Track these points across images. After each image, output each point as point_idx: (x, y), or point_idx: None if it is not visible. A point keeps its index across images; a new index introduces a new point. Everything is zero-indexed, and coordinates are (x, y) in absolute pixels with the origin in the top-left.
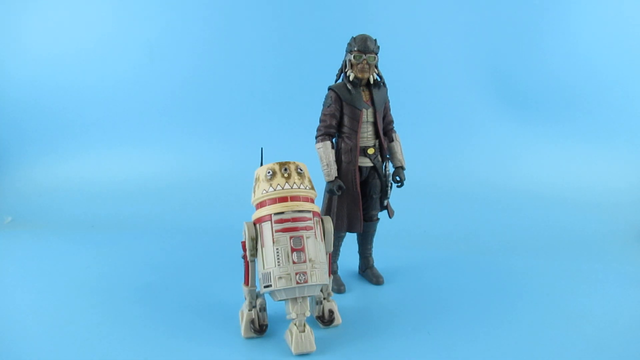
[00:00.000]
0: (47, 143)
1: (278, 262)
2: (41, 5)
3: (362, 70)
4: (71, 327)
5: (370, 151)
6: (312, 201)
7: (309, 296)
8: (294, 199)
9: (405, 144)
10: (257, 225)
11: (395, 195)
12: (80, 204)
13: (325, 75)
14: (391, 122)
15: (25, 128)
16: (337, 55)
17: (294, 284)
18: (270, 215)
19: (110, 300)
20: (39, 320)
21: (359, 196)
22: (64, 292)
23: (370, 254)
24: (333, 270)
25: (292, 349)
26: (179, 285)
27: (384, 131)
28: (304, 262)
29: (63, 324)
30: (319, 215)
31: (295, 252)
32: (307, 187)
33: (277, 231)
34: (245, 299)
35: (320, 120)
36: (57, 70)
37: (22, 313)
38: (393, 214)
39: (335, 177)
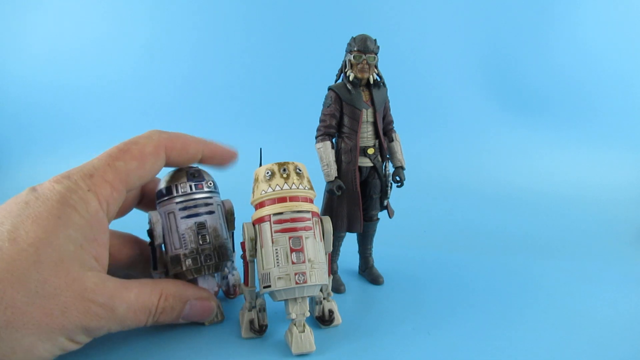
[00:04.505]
0: (50, 143)
1: (277, 262)
2: (43, 8)
3: (362, 70)
4: None
5: (370, 151)
6: (311, 201)
7: (308, 296)
8: (292, 199)
9: (405, 145)
10: (256, 225)
11: (395, 195)
12: None
13: (325, 75)
14: (391, 122)
15: (28, 129)
16: (337, 55)
17: (293, 284)
18: (269, 215)
19: None
20: None
21: (359, 196)
22: None
23: (370, 254)
24: (333, 271)
25: (292, 349)
26: None
27: (384, 131)
28: (303, 262)
29: None
30: (318, 215)
31: (294, 253)
32: (306, 187)
33: (276, 232)
34: (245, 299)
35: (320, 120)
36: (59, 73)
37: None
38: (393, 214)
39: (335, 177)
